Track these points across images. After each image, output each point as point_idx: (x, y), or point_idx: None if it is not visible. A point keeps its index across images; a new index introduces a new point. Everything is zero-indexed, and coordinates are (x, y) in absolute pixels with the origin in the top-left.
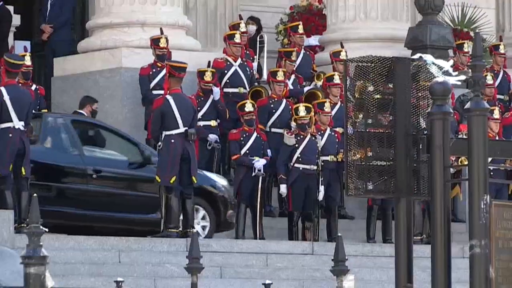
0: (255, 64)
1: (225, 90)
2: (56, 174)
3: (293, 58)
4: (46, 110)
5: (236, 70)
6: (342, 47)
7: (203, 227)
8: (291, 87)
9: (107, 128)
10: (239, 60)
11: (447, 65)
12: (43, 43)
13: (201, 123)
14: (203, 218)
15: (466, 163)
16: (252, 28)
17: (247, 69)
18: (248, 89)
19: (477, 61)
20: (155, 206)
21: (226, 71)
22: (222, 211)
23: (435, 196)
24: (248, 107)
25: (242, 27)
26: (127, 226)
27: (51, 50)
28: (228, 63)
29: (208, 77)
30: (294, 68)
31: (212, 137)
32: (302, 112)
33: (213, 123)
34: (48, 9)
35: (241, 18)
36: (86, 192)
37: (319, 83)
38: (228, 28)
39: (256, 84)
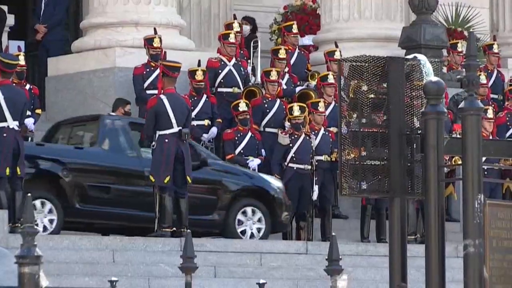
0: (249, 68)
1: (219, 90)
2: (114, 176)
3: (281, 56)
4: (40, 110)
5: (230, 70)
6: (337, 46)
7: (258, 229)
8: (285, 87)
9: None
10: (233, 60)
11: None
12: (37, 43)
13: (195, 123)
14: (259, 220)
15: (459, 162)
16: (246, 28)
17: (242, 69)
18: (242, 89)
19: (471, 61)
20: (211, 207)
21: (220, 71)
22: (278, 213)
23: (429, 196)
24: (242, 106)
25: (236, 27)
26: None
27: (45, 50)
28: (222, 63)
29: (199, 76)
30: (286, 70)
31: (205, 136)
32: (296, 111)
33: (206, 122)
34: (42, 9)
35: (235, 18)
36: (144, 194)
37: (313, 83)
38: (223, 28)
39: (250, 84)
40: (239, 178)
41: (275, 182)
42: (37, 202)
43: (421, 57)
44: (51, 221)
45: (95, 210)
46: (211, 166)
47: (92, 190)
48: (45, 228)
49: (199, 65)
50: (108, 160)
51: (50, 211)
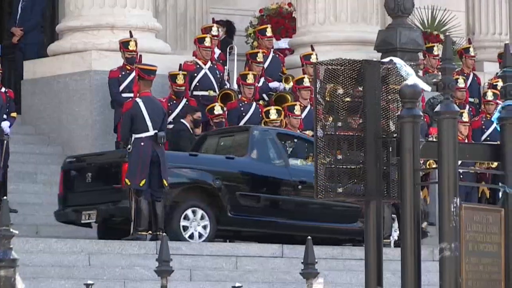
0: (225, 73)
1: (195, 93)
2: (263, 185)
3: (259, 60)
4: (15, 114)
5: (205, 73)
6: (313, 50)
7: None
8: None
9: (308, 140)
10: (209, 63)
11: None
12: (13, 46)
13: (171, 126)
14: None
15: (434, 166)
16: (220, 31)
17: (217, 72)
18: (217, 92)
19: (447, 64)
20: (356, 215)
21: (195, 74)
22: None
23: (405, 199)
24: (218, 110)
25: (214, 31)
26: (331, 236)
27: (22, 53)
28: (198, 66)
29: (180, 80)
30: (262, 71)
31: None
32: (273, 115)
33: None
34: (19, 12)
35: (214, 22)
36: (292, 202)
37: (288, 86)
38: (199, 31)
39: (225, 87)
40: None
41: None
42: (189, 211)
43: (397, 60)
44: (204, 227)
45: (246, 219)
46: None
47: (243, 199)
48: (200, 235)
49: (180, 69)
50: (257, 169)
51: (202, 218)
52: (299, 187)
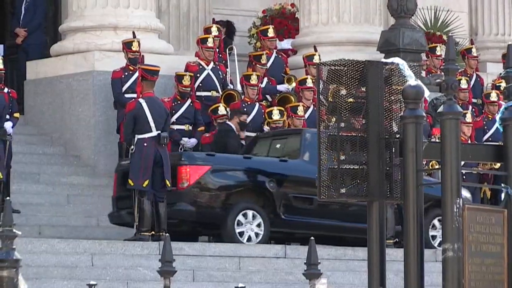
0: (228, 76)
1: (198, 93)
2: (315, 187)
3: (263, 62)
4: (18, 114)
5: (208, 73)
6: (316, 50)
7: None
8: (263, 85)
9: None
10: (211, 64)
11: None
12: (16, 46)
13: (175, 127)
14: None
15: (437, 166)
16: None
17: (220, 72)
18: (220, 93)
19: (450, 65)
20: None
21: (198, 75)
22: None
23: (408, 200)
24: (221, 110)
25: (215, 31)
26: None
27: (25, 54)
28: (201, 67)
29: (186, 81)
30: (265, 72)
31: (192, 141)
32: (276, 115)
33: (187, 127)
34: (22, 13)
35: (214, 22)
36: (342, 204)
37: (290, 87)
38: (202, 31)
39: (228, 87)
40: None
41: None
42: (249, 213)
43: (399, 61)
44: (258, 226)
45: (299, 221)
46: None
47: (296, 201)
48: (249, 238)
49: (186, 70)
50: (310, 172)
51: (254, 218)
52: None
